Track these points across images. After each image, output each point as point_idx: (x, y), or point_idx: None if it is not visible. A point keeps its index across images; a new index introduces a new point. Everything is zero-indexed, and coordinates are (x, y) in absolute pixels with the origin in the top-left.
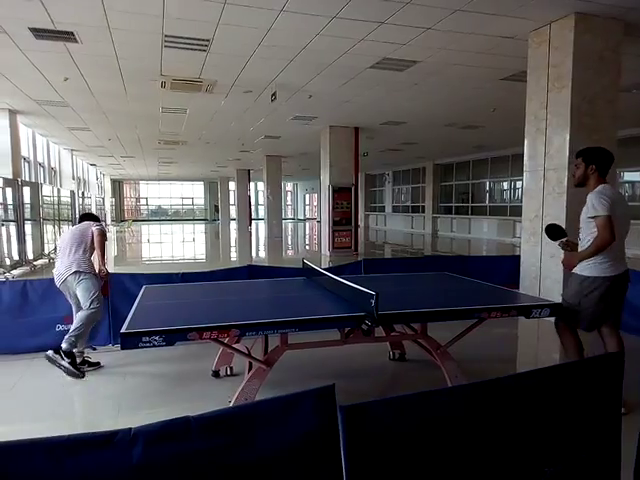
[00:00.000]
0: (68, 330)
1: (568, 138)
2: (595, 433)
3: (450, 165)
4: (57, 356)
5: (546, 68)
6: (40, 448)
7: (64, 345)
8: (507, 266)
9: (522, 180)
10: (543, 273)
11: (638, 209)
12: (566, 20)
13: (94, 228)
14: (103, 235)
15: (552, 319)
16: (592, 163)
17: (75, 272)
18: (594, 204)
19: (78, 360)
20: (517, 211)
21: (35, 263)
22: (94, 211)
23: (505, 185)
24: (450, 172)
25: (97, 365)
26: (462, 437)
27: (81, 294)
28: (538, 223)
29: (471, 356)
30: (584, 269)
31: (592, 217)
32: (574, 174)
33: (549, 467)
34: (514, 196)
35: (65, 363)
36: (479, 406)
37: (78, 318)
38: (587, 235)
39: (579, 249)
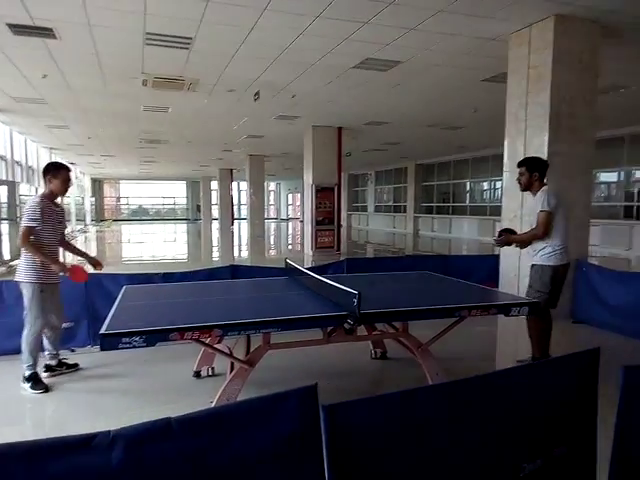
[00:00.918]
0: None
1: (547, 139)
2: (572, 429)
3: (432, 165)
4: (22, 385)
5: (526, 69)
6: (17, 452)
7: (25, 373)
8: (487, 265)
9: (502, 180)
10: (522, 272)
11: (614, 209)
12: (546, 22)
13: (22, 223)
14: (27, 232)
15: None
16: (535, 171)
17: (17, 280)
18: (545, 200)
19: (54, 362)
20: (497, 211)
21: (12, 263)
22: (73, 210)
23: (485, 185)
24: (432, 172)
25: (75, 367)
26: (443, 435)
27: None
28: (517, 223)
29: (452, 354)
30: (544, 259)
31: (540, 210)
32: (519, 181)
33: (527, 463)
34: (494, 196)
35: (26, 388)
36: (459, 404)
37: (23, 339)
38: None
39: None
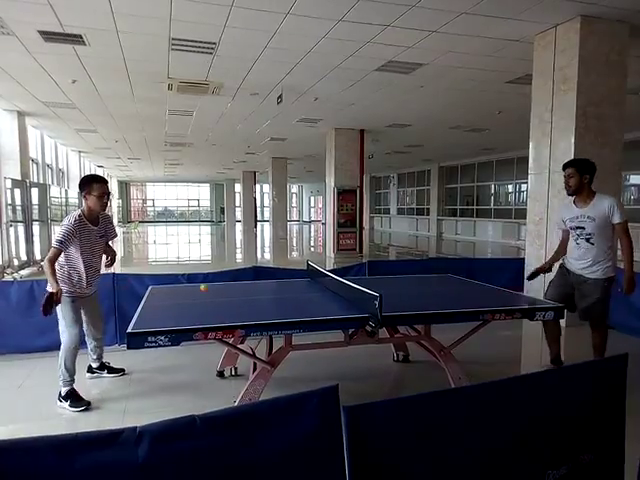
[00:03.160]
0: None
1: (573, 141)
2: (599, 435)
3: (455, 167)
4: (60, 404)
5: (552, 71)
6: (47, 446)
7: (62, 390)
8: (511, 268)
9: (527, 183)
10: (547, 276)
11: None
12: (571, 23)
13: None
14: (54, 254)
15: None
16: (586, 173)
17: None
18: (620, 211)
19: (96, 364)
20: (522, 214)
21: (43, 263)
22: None
23: (510, 188)
24: (455, 175)
25: (120, 372)
26: (464, 439)
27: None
28: (543, 226)
29: (474, 358)
30: (607, 271)
31: (619, 222)
32: (568, 184)
33: (552, 470)
34: (519, 199)
35: (65, 405)
36: (482, 408)
37: (60, 354)
38: (601, 238)
39: (588, 251)
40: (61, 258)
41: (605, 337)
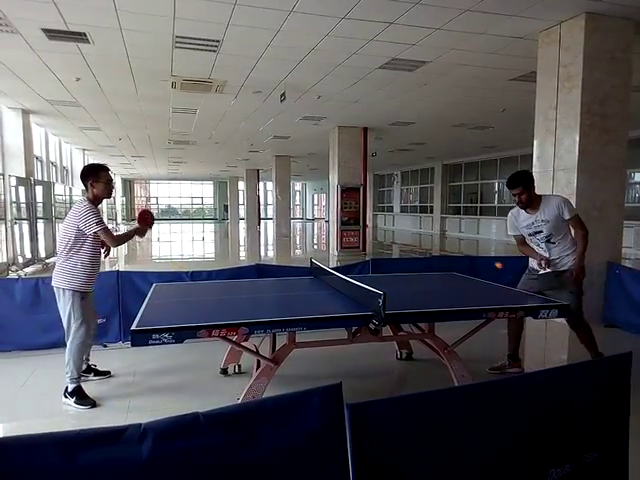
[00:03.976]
0: None
1: (578, 139)
2: (603, 434)
3: (459, 165)
4: (65, 400)
5: (556, 68)
6: (50, 443)
7: (68, 386)
8: (515, 267)
9: None
10: None
11: None
12: (576, 20)
13: (80, 218)
14: (108, 232)
15: (559, 320)
16: (531, 185)
17: (54, 286)
18: (569, 207)
19: (84, 367)
20: None
21: (47, 261)
22: (105, 211)
23: None
24: (459, 172)
25: (106, 374)
26: (467, 437)
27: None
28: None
29: (478, 356)
30: (571, 262)
31: (571, 217)
32: (521, 201)
33: (555, 468)
34: None
35: (71, 402)
36: (485, 406)
37: (66, 351)
38: (560, 235)
39: (552, 249)
40: (75, 252)
41: (589, 331)
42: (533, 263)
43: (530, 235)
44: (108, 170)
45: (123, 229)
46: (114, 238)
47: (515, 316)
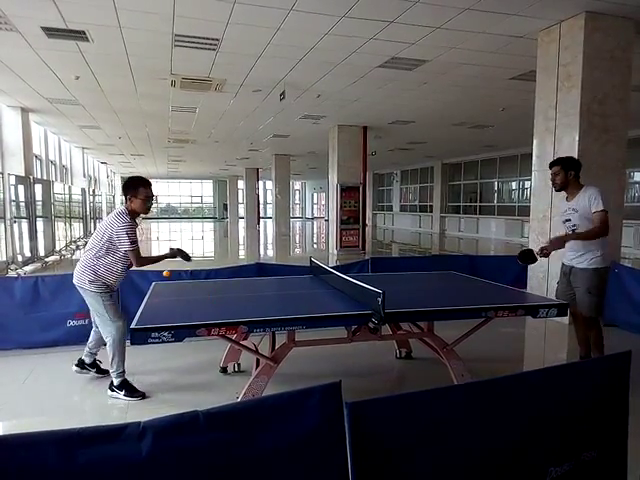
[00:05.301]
0: (79, 325)
1: (577, 138)
2: (602, 432)
3: (458, 165)
4: (112, 393)
5: (556, 67)
6: (51, 440)
7: (114, 380)
8: (515, 266)
9: (531, 180)
10: (550, 273)
11: None
12: (576, 19)
13: (116, 232)
14: (138, 254)
15: (559, 319)
16: (570, 169)
17: (77, 285)
18: (598, 201)
19: (87, 360)
20: (525, 211)
21: (46, 260)
22: (104, 209)
23: (513, 185)
24: (458, 172)
25: (105, 373)
26: (467, 435)
27: (92, 314)
28: (546, 223)
29: (477, 355)
30: (594, 262)
31: (595, 211)
32: (554, 181)
33: (554, 466)
34: (522, 196)
35: (120, 395)
36: (485, 404)
37: (107, 348)
38: (585, 229)
39: (574, 243)
40: (114, 254)
41: (599, 333)
42: (563, 258)
43: (563, 222)
44: (149, 186)
45: None
46: (140, 262)
47: (515, 315)
